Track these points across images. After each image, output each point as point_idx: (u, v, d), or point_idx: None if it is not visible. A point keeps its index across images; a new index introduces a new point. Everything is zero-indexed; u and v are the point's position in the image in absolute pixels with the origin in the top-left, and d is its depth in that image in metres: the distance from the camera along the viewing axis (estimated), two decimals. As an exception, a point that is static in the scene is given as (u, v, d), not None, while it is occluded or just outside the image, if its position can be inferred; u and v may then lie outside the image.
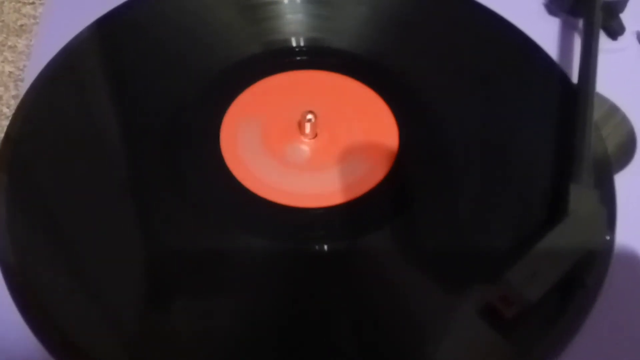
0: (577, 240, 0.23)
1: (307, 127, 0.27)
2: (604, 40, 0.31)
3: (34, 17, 0.37)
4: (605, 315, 0.23)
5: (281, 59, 0.30)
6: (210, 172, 0.26)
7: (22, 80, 0.34)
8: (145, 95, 0.28)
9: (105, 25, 0.30)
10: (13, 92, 0.34)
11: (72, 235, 0.24)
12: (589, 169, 0.25)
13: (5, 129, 0.27)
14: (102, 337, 0.22)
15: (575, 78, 0.29)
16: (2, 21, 0.37)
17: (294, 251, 0.24)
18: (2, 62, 0.35)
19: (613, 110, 0.29)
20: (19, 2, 0.38)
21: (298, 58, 0.30)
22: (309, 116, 0.27)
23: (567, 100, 0.28)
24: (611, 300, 0.23)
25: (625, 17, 0.32)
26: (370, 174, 0.26)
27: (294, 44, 0.31)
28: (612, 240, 0.24)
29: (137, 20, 0.31)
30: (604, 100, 0.29)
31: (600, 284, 0.23)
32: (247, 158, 0.27)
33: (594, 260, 0.23)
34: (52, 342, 0.21)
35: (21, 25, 0.37)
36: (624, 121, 0.28)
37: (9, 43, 0.36)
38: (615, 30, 0.32)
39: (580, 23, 0.32)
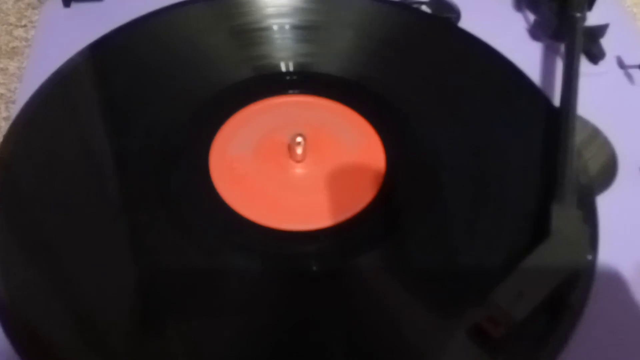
0: (560, 260, 0.23)
1: (297, 150, 0.28)
2: (585, 65, 0.32)
3: (26, 40, 0.38)
4: (590, 333, 0.23)
5: (271, 83, 0.31)
6: (199, 195, 0.26)
7: (13, 102, 0.34)
8: (135, 119, 0.29)
9: (98, 49, 0.31)
10: (4, 114, 0.34)
11: (62, 257, 0.24)
12: (571, 190, 0.25)
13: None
14: (90, 357, 0.22)
15: (557, 101, 0.29)
16: (-6, 43, 0.37)
17: (283, 274, 0.24)
18: (-6, 84, 0.35)
19: (595, 133, 0.29)
20: (11, 24, 0.38)
21: (288, 81, 0.31)
22: (299, 139, 0.27)
23: (550, 123, 0.28)
24: (595, 319, 0.23)
25: (606, 42, 0.33)
26: (358, 197, 0.27)
27: (283, 69, 0.31)
28: (594, 260, 0.25)
29: (129, 45, 0.31)
30: (586, 123, 0.29)
31: (584, 303, 0.23)
32: (237, 181, 0.27)
33: (577, 279, 0.23)
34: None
35: (13, 48, 0.37)
36: (605, 144, 0.29)
37: (1, 65, 0.36)
38: (596, 55, 0.33)
39: (562, 48, 0.32)
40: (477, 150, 0.28)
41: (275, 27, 0.32)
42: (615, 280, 0.25)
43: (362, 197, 0.27)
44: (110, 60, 0.31)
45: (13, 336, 0.21)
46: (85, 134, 0.28)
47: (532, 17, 0.35)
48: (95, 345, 0.22)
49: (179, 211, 0.26)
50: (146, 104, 0.29)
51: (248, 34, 0.32)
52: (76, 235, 0.25)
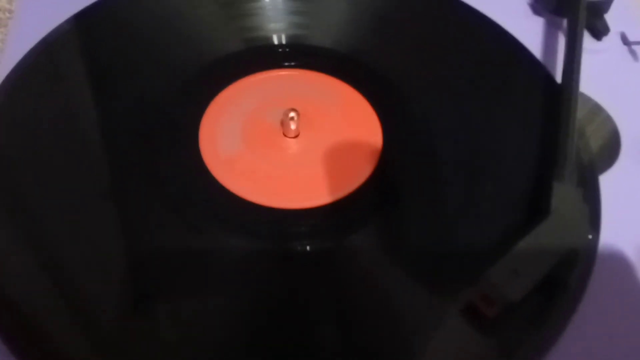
0: (559, 239, 0.22)
1: (290, 126, 0.27)
2: (588, 41, 0.31)
3: (10, 12, 0.37)
4: (590, 315, 0.22)
5: (263, 56, 0.30)
6: (188, 171, 0.26)
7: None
8: (123, 91, 0.28)
9: (83, 19, 0.30)
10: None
11: (46, 231, 0.23)
12: (572, 167, 0.24)
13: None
14: (80, 341, 0.21)
15: (559, 77, 0.28)
16: (-22, 16, 0.36)
17: (277, 253, 0.24)
18: (-23, 57, 0.34)
19: (597, 110, 0.29)
20: (-5, -4, 0.37)
21: (280, 54, 0.30)
22: (292, 114, 0.26)
23: (551, 99, 0.28)
24: (596, 300, 0.23)
25: (610, 17, 0.32)
26: (355, 174, 0.26)
27: (276, 41, 0.30)
28: (595, 240, 0.24)
29: (117, 14, 0.30)
30: (588, 99, 0.29)
31: (584, 284, 0.23)
32: (228, 157, 0.26)
33: (576, 259, 0.23)
34: (28, 349, 0.20)
35: (-3, 20, 0.36)
36: (607, 121, 0.28)
37: (-16, 38, 0.35)
38: (599, 31, 0.32)
39: (565, 23, 0.32)
40: (476, 126, 0.28)
41: (268, -1, 0.31)
42: (618, 263, 0.24)
43: (358, 174, 0.26)
44: (97, 30, 0.30)
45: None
46: (70, 105, 0.27)
47: (533, -9, 0.34)
48: (83, 325, 0.21)
49: (168, 188, 0.25)
50: (133, 76, 0.28)
51: (239, 5, 0.31)
52: (60, 209, 0.24)
